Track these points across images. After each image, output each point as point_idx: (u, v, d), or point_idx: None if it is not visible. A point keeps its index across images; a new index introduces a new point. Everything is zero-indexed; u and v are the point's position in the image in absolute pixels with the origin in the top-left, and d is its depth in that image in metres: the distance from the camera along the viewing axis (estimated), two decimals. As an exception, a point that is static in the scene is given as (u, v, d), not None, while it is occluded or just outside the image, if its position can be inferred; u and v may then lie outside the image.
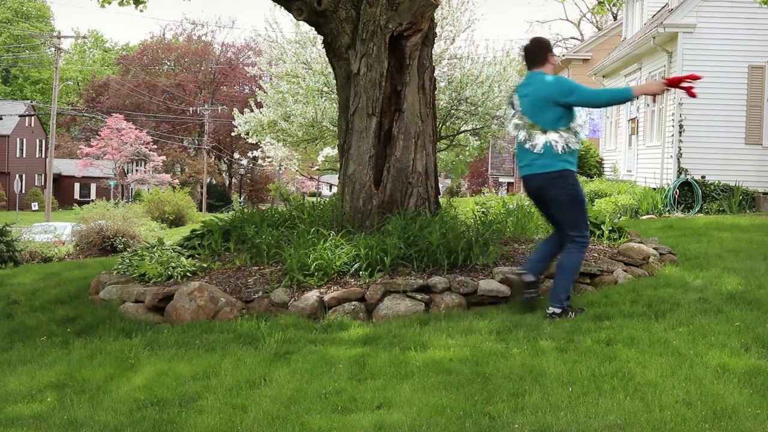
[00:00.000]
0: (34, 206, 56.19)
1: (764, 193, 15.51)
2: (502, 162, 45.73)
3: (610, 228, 7.84)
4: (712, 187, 15.48)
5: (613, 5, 12.69)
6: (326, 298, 6.11)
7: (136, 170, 60.14)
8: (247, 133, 21.58)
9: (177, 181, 54.25)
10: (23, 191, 56.67)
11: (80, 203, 36.67)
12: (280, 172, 56.42)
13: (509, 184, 44.11)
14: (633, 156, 19.95)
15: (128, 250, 10.56)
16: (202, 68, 69.65)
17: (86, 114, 64.41)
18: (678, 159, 15.87)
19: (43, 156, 60.05)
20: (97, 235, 21.31)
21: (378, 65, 7.57)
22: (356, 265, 6.49)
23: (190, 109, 63.41)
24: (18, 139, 60.87)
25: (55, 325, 6.34)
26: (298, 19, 7.96)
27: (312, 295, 6.13)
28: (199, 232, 7.89)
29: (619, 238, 7.76)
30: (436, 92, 8.41)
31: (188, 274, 6.83)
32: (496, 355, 4.67)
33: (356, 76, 7.64)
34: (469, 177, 56.17)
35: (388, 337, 5.25)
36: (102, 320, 6.25)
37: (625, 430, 3.59)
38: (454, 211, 8.14)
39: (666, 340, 4.79)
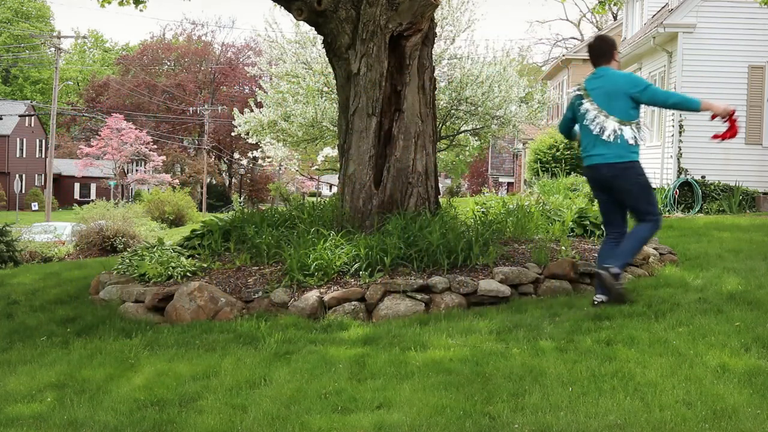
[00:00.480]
0: (34, 206, 56.19)
1: (764, 193, 15.50)
2: (502, 162, 45.74)
3: (610, 228, 7.83)
4: (712, 187, 15.47)
5: (614, 5, 12.67)
6: (326, 298, 6.11)
7: (136, 170, 60.15)
8: (247, 133, 21.56)
9: (177, 181, 54.22)
10: (23, 191, 56.67)
11: (80, 203, 36.65)
12: (280, 172, 56.42)
13: (509, 184, 44.12)
14: (633, 156, 19.91)
15: (128, 250, 10.55)
16: (202, 68, 69.63)
17: (86, 114, 64.39)
18: (678, 159, 15.86)
19: (43, 156, 60.06)
20: (97, 235, 21.29)
21: (378, 65, 7.57)
22: (356, 265, 6.50)
23: (190, 109, 63.39)
24: (18, 139, 60.88)
25: (55, 325, 6.34)
26: (298, 19, 7.96)
27: (312, 295, 6.13)
28: (199, 232, 7.90)
29: (619, 238, 7.75)
30: (436, 92, 8.42)
31: (188, 274, 6.84)
32: (496, 355, 4.67)
33: (356, 76, 7.64)
34: (469, 177, 56.19)
35: (388, 337, 5.25)
36: (102, 320, 6.25)
37: (625, 430, 3.59)
38: (454, 211, 8.14)
39: (666, 340, 4.79)
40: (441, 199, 8.31)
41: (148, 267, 6.92)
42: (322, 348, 5.09)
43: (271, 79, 21.39)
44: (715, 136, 5.96)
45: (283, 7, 8.42)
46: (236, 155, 65.46)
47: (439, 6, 11.60)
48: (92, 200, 32.10)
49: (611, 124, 5.71)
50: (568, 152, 23.10)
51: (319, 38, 9.02)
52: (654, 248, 7.59)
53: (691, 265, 7.28)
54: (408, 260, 6.62)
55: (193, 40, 72.97)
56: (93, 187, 65.14)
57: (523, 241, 7.48)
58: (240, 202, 44.90)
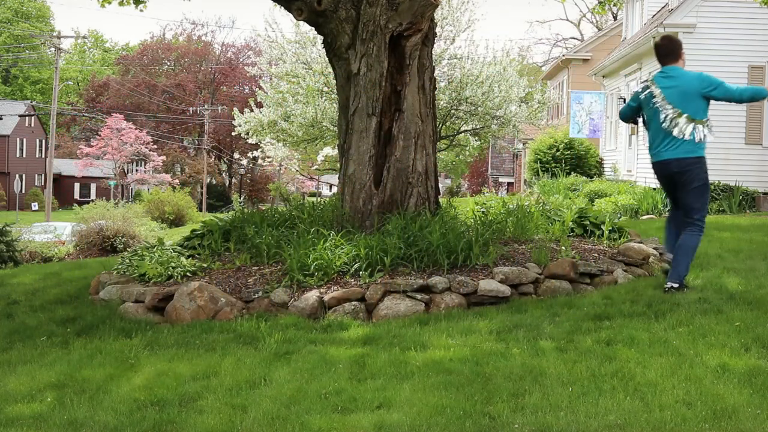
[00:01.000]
0: (34, 206, 56.18)
1: (764, 193, 15.50)
2: (502, 162, 45.71)
3: (610, 228, 7.85)
4: (712, 187, 15.46)
5: (614, 5, 12.67)
6: (326, 298, 6.11)
7: (136, 170, 60.14)
8: (247, 133, 21.56)
9: (177, 181, 54.22)
10: (23, 191, 56.66)
11: (80, 203, 36.65)
12: (280, 172, 56.43)
13: (509, 184, 44.11)
14: (633, 156, 19.94)
15: (128, 250, 10.56)
16: (202, 68, 69.63)
17: (86, 114, 64.36)
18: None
19: (43, 156, 60.05)
20: (97, 235, 21.29)
21: (378, 65, 7.57)
22: (356, 265, 6.49)
23: (190, 109, 63.37)
24: (18, 139, 60.87)
25: (55, 325, 6.34)
26: (298, 19, 7.96)
27: (312, 295, 6.13)
28: (199, 232, 7.89)
29: (619, 238, 7.76)
30: (436, 92, 8.42)
31: (188, 274, 6.83)
32: (496, 355, 4.67)
33: (356, 76, 7.64)
34: (469, 177, 56.17)
35: (388, 337, 5.25)
36: (102, 320, 6.25)
37: (625, 430, 3.59)
38: (454, 211, 8.14)
39: (666, 340, 4.79)
40: (441, 199, 8.31)
41: (148, 267, 6.92)
42: (322, 348, 5.09)
43: (271, 79, 21.39)
44: None
45: (283, 7, 8.42)
46: (236, 155, 65.46)
47: (439, 6, 11.60)
48: (92, 200, 32.09)
49: (683, 122, 6.00)
50: (568, 152, 23.11)
51: (319, 38, 9.02)
52: (654, 248, 7.59)
53: (691, 265, 7.27)
54: (408, 260, 6.62)
55: (193, 40, 72.95)
56: (93, 187, 65.12)
57: (523, 241, 7.48)
58: (240, 202, 44.86)
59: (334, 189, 18.62)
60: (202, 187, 60.05)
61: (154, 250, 7.50)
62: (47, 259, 19.30)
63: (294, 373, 4.57)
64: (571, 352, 4.67)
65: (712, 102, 6.17)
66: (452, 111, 19.09)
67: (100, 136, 54.70)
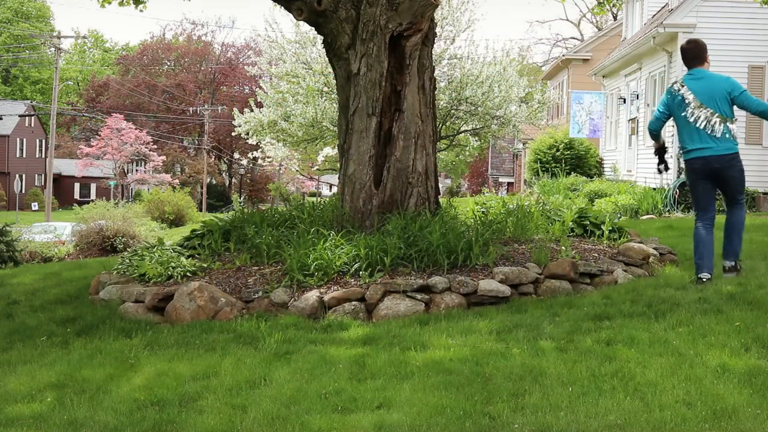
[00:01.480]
0: (34, 206, 56.18)
1: (764, 193, 15.50)
2: (502, 162, 45.70)
3: (610, 228, 7.85)
4: (712, 187, 15.45)
5: (613, 6, 12.66)
6: (326, 298, 6.11)
7: (136, 170, 60.14)
8: (247, 133, 21.56)
9: (177, 181, 54.22)
10: (23, 191, 56.65)
11: (80, 203, 36.64)
12: (280, 172, 56.42)
13: (509, 184, 44.10)
14: (633, 156, 19.94)
15: (128, 250, 10.56)
16: (202, 68, 69.62)
17: (86, 114, 64.36)
18: (678, 159, 15.85)
19: (43, 156, 60.05)
20: (97, 235, 21.28)
21: (378, 65, 7.57)
22: (356, 265, 6.49)
23: (190, 109, 63.37)
24: (18, 139, 60.87)
25: (55, 325, 6.34)
26: (298, 19, 7.96)
27: (312, 295, 6.13)
28: (199, 232, 7.89)
29: (619, 238, 7.76)
30: (436, 92, 8.42)
31: (188, 274, 6.84)
32: (496, 355, 4.67)
33: (356, 76, 7.64)
34: (469, 177, 56.17)
35: (388, 337, 5.25)
36: (102, 320, 6.25)
37: (625, 430, 3.59)
38: (454, 211, 8.14)
39: (666, 340, 4.79)
40: (441, 199, 8.31)
41: (148, 267, 6.92)
42: (322, 348, 5.09)
43: (271, 79, 21.40)
44: None
45: (283, 7, 8.42)
46: (236, 155, 65.45)
47: (439, 6, 11.60)
48: (92, 200, 32.09)
49: (717, 121, 6.35)
50: (568, 152, 23.12)
51: (319, 38, 9.02)
52: (654, 248, 7.59)
53: (692, 265, 7.27)
54: (408, 260, 6.62)
55: (193, 40, 72.94)
56: (93, 187, 65.12)
57: (523, 241, 7.48)
58: (240, 202, 44.87)
59: (334, 189, 18.62)
60: (202, 187, 60.05)
61: (154, 250, 7.50)
62: (47, 259, 19.29)
63: (294, 373, 4.57)
64: (571, 352, 4.67)
65: None
66: (452, 111, 19.09)
67: (100, 136, 54.70)
